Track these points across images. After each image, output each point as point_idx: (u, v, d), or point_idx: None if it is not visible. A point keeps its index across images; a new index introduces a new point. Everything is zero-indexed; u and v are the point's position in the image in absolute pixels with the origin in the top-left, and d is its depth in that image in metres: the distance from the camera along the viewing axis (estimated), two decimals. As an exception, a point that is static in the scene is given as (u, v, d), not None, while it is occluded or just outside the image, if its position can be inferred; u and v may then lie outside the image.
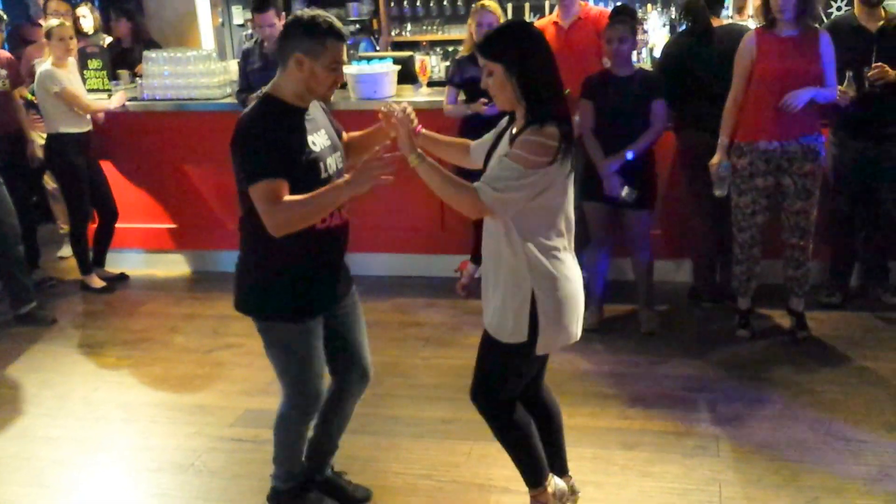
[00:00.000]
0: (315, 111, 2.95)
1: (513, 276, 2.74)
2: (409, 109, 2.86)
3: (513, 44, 2.66)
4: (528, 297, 2.72)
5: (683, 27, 5.08)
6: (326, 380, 3.14)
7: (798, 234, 4.50)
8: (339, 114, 5.73)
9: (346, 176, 2.77)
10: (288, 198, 2.70)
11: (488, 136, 2.97)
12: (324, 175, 2.82)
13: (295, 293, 2.91)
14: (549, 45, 2.74)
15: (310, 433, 3.27)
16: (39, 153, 6.05)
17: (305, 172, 2.77)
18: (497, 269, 2.79)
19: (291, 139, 2.76)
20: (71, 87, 5.52)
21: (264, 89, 2.87)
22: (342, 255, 3.05)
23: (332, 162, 2.89)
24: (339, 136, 3.07)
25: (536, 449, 3.01)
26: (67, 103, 5.52)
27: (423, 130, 3.01)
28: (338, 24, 2.80)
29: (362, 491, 3.41)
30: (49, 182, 6.38)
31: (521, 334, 2.76)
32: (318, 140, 2.86)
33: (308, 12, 2.81)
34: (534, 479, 3.04)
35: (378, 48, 8.69)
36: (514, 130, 2.73)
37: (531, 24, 2.81)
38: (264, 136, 2.73)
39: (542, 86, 2.66)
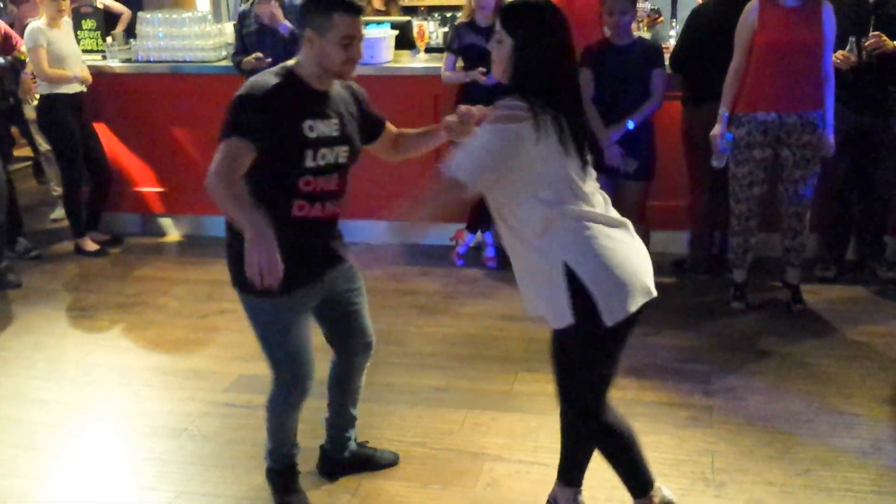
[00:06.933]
0: (339, 99, 2.78)
1: (539, 255, 2.54)
2: (472, 114, 2.65)
3: (536, 23, 2.49)
4: (561, 270, 2.49)
5: None
6: (320, 368, 3.06)
7: (796, 203, 4.49)
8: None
9: (257, 228, 2.41)
10: (242, 185, 2.52)
11: None
12: (310, 163, 2.68)
13: None
14: (571, 41, 2.54)
15: (325, 414, 3.27)
16: (31, 115, 6.00)
17: (290, 154, 2.66)
18: (522, 260, 2.61)
19: (288, 116, 2.64)
20: (42, 49, 5.39)
21: (288, 63, 2.73)
22: (324, 240, 2.89)
23: (330, 154, 2.73)
24: (377, 127, 2.96)
25: (639, 455, 2.78)
26: (33, 63, 5.45)
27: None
28: None
29: (389, 455, 3.40)
30: (42, 144, 6.33)
31: (567, 316, 2.52)
32: (321, 127, 2.70)
33: None
34: (639, 488, 2.82)
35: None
36: None
37: (558, 9, 2.55)
38: (262, 98, 2.60)
39: (541, 78, 2.47)
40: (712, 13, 4.79)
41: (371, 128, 2.96)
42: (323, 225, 2.84)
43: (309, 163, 2.68)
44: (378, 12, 6.82)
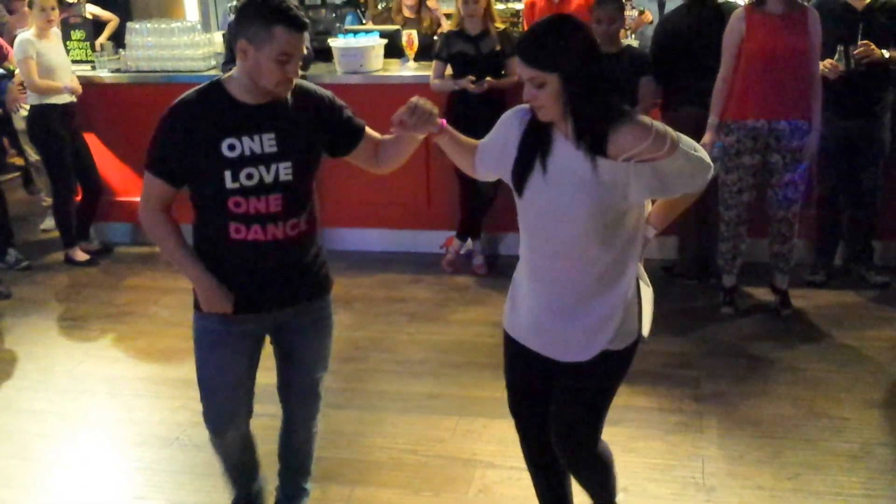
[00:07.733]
0: (282, 111, 2.51)
1: (622, 271, 2.42)
2: (422, 103, 2.38)
3: (569, 48, 2.20)
4: (635, 285, 2.46)
5: None
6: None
7: (785, 207, 4.51)
8: (324, 87, 5.73)
9: (204, 278, 2.63)
10: (163, 221, 2.67)
11: (499, 140, 2.46)
12: (231, 185, 2.45)
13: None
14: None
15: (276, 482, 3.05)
16: (21, 125, 6.00)
17: (209, 176, 2.47)
18: (601, 279, 2.41)
19: (204, 137, 2.45)
20: (32, 60, 5.38)
21: (223, 75, 2.55)
22: (273, 268, 2.61)
23: (265, 172, 2.47)
24: (351, 135, 2.66)
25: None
26: (23, 74, 5.45)
27: (447, 126, 2.49)
28: (294, 9, 2.35)
29: None
30: (32, 154, 6.32)
31: (637, 329, 2.52)
32: (248, 145, 2.45)
33: None
34: (611, 499, 2.78)
35: (364, 21, 8.61)
36: (576, 138, 2.26)
37: (578, 19, 2.35)
38: (171, 131, 2.49)
39: (610, 91, 2.26)
40: (678, 21, 4.86)
41: (342, 136, 2.67)
42: (263, 248, 2.56)
43: (230, 184, 2.46)
44: (408, 21, 6.78)
